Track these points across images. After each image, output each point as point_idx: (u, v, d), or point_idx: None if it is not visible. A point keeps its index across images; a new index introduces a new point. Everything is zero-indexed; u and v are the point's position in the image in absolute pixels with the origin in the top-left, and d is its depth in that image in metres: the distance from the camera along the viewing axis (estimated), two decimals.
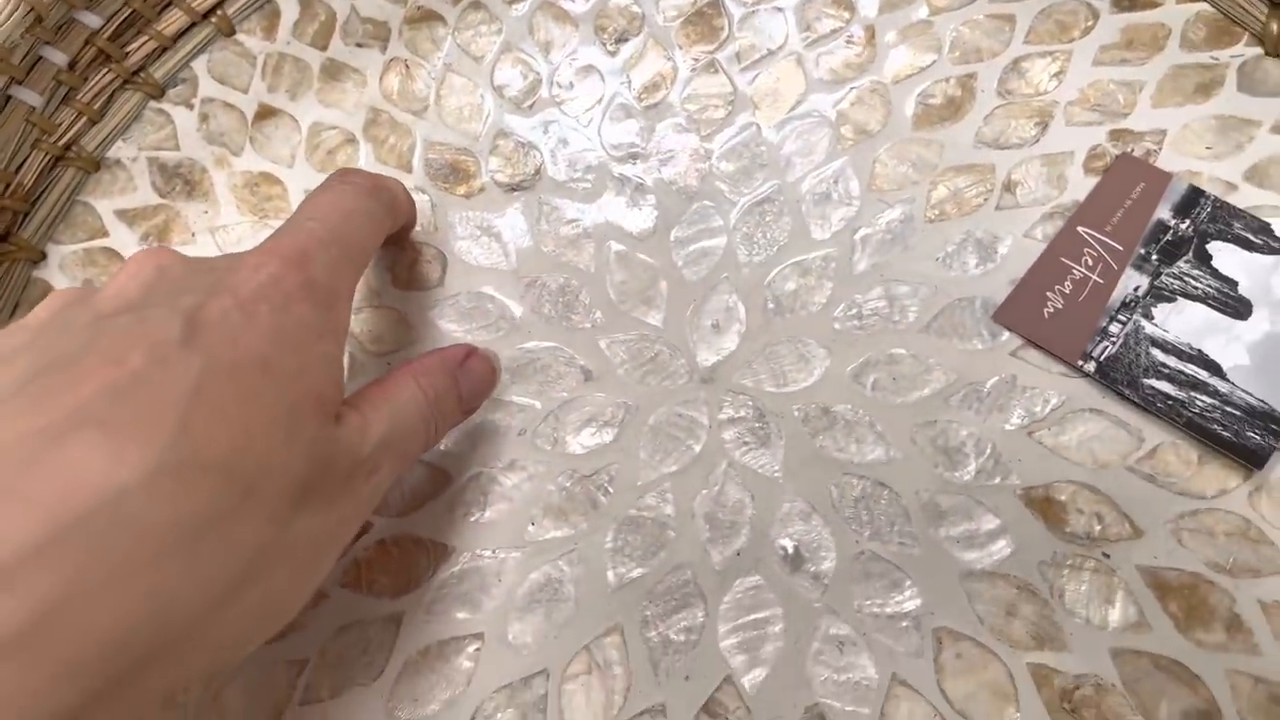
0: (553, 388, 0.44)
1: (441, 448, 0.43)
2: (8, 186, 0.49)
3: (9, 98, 0.49)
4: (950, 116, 0.48)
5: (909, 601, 0.38)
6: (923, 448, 0.41)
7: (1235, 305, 0.42)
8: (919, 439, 0.41)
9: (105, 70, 0.52)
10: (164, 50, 0.54)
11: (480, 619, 0.40)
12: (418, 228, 0.48)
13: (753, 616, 0.39)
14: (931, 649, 0.38)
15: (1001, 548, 0.39)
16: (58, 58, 0.50)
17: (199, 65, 0.54)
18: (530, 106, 0.51)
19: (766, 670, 0.38)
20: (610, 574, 0.40)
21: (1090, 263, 0.44)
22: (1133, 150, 0.47)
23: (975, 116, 0.48)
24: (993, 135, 0.48)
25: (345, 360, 0.43)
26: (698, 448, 0.42)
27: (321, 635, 0.40)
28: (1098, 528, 0.39)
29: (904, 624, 0.38)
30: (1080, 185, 0.46)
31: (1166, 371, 0.41)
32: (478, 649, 0.39)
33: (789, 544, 0.40)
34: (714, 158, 0.49)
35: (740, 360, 0.44)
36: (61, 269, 0.49)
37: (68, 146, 0.51)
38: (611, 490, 0.42)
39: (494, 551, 0.41)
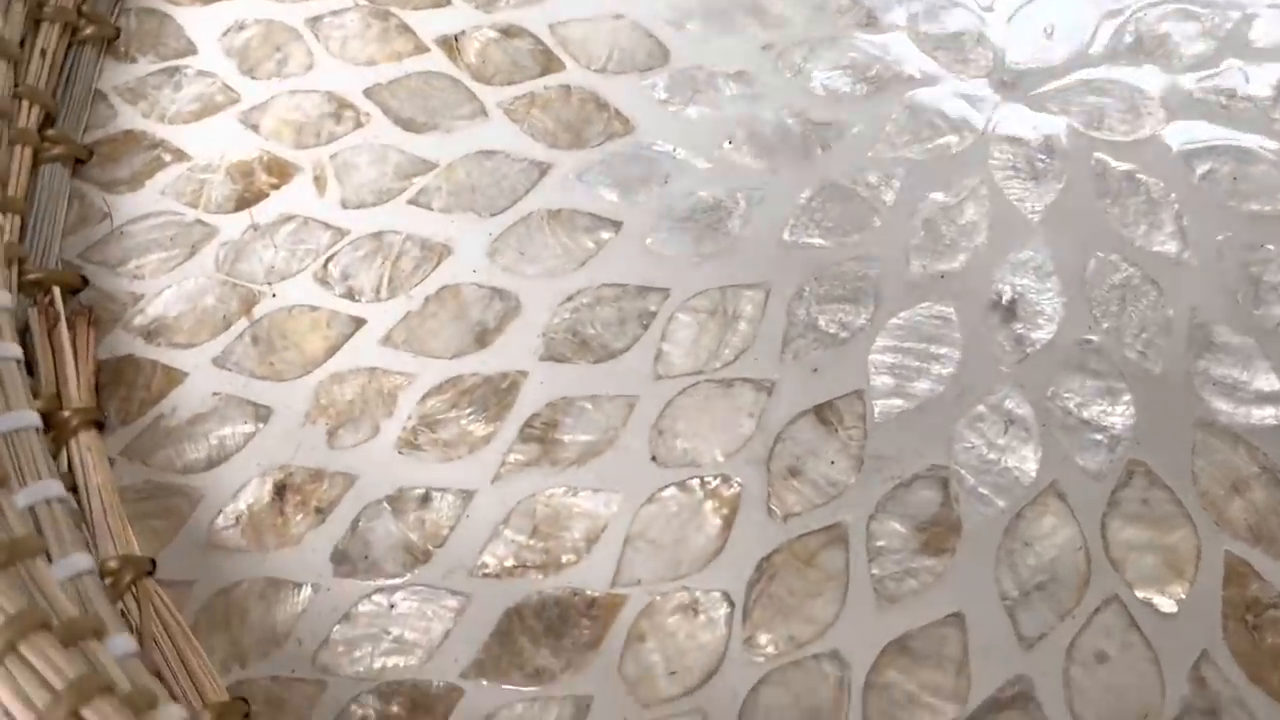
0: (821, 15, 0.36)
1: (677, 30, 0.36)
2: None
3: None
4: None
5: (1118, 417, 0.30)
6: (1228, 267, 0.31)
7: None
8: (1229, 256, 0.32)
9: None
10: None
11: (626, 209, 0.34)
12: None
13: (924, 346, 0.31)
14: (1117, 479, 0.29)
15: (1268, 416, 0.30)
16: None
17: None
18: None
19: (909, 406, 0.30)
20: (787, 231, 0.33)
21: None
22: None
23: None
24: None
25: None
26: (956, 148, 0.34)
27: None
28: None
29: (1098, 437, 0.30)
30: None
31: None
32: (610, 238, 0.33)
33: (1008, 292, 0.32)
34: None
35: (1058, 78, 0.34)
36: None
37: None
38: (833, 147, 0.34)
39: (675, 150, 0.34)
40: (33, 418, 0.28)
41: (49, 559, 0.25)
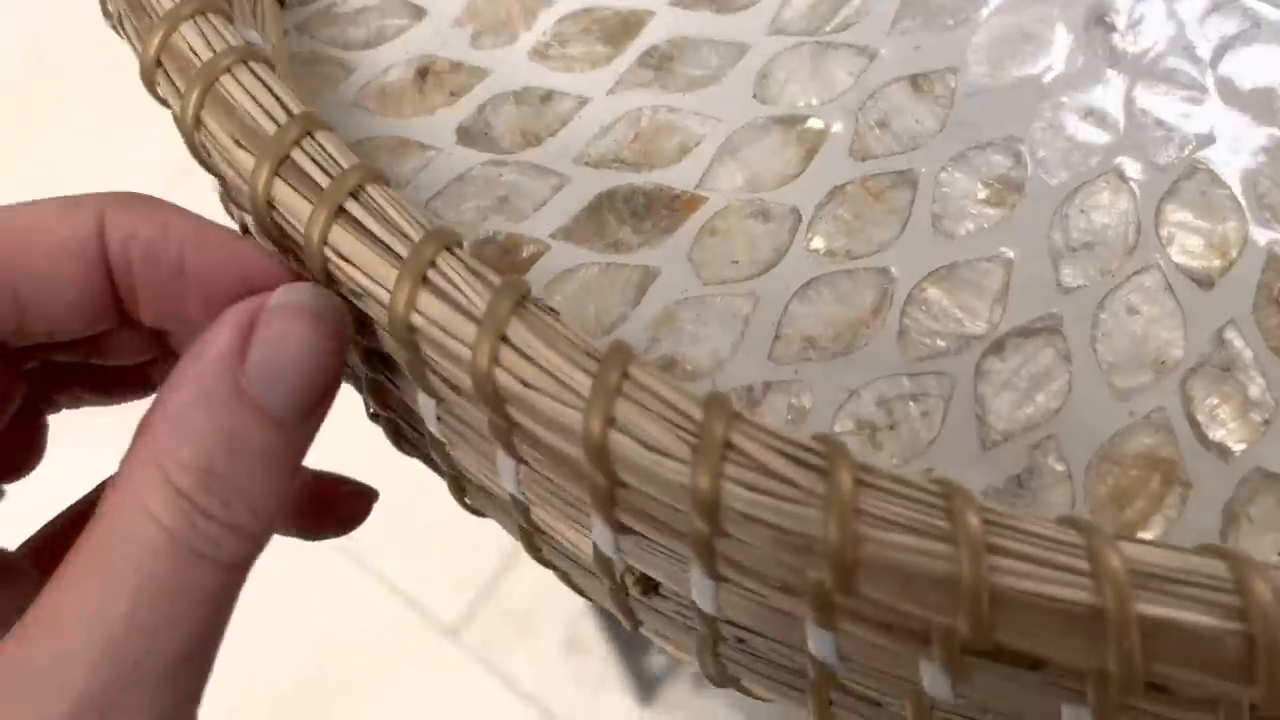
0: None
1: None
2: None
3: None
4: None
5: (1194, 123, 0.32)
6: None
7: None
8: None
9: None
10: None
11: None
12: None
13: (1023, 43, 0.33)
14: (1180, 172, 0.31)
15: None
16: None
17: None
18: None
19: (997, 85, 0.33)
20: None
21: None
22: None
23: None
24: None
25: None
26: None
27: None
28: None
29: (1171, 136, 0.31)
30: None
31: None
32: None
33: (1114, 11, 0.33)
34: None
35: None
36: None
37: None
38: None
39: None
40: None
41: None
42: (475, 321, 0.20)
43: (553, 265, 0.31)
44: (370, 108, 0.34)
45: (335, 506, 0.26)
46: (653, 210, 0.32)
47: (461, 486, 0.27)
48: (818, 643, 0.21)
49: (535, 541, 0.26)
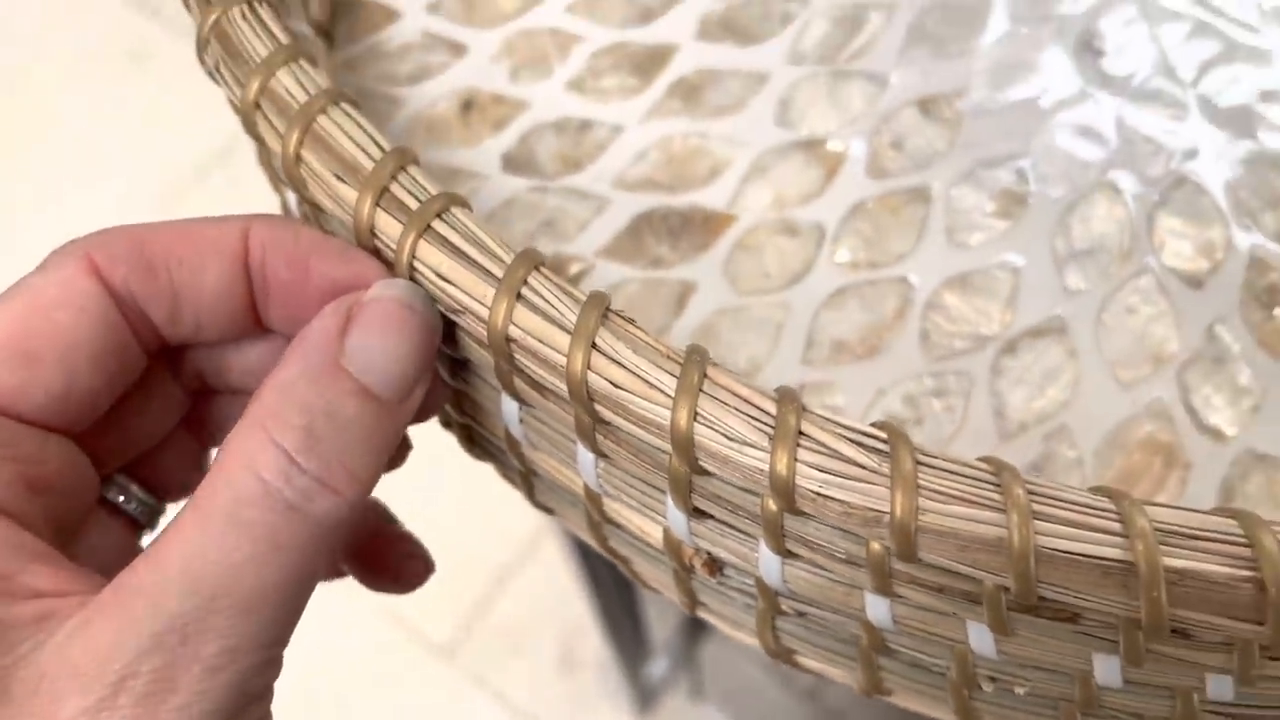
0: None
1: None
2: None
3: None
4: None
5: (1180, 139, 0.35)
6: None
7: None
8: None
9: None
10: None
11: None
12: None
13: (1017, 68, 0.36)
14: (1169, 184, 0.34)
15: None
16: None
17: None
18: None
19: (996, 108, 0.36)
20: None
21: None
22: None
23: None
24: None
25: None
26: None
27: None
28: None
29: (1159, 152, 0.34)
30: None
31: None
32: None
33: (1101, 38, 0.36)
34: None
35: None
36: None
37: None
38: None
39: None
40: None
41: None
42: (567, 332, 0.23)
43: (598, 282, 0.34)
44: (417, 140, 0.37)
45: (388, 561, 0.29)
46: (688, 229, 0.35)
47: (530, 484, 0.30)
48: (875, 609, 0.24)
49: (603, 532, 0.29)
